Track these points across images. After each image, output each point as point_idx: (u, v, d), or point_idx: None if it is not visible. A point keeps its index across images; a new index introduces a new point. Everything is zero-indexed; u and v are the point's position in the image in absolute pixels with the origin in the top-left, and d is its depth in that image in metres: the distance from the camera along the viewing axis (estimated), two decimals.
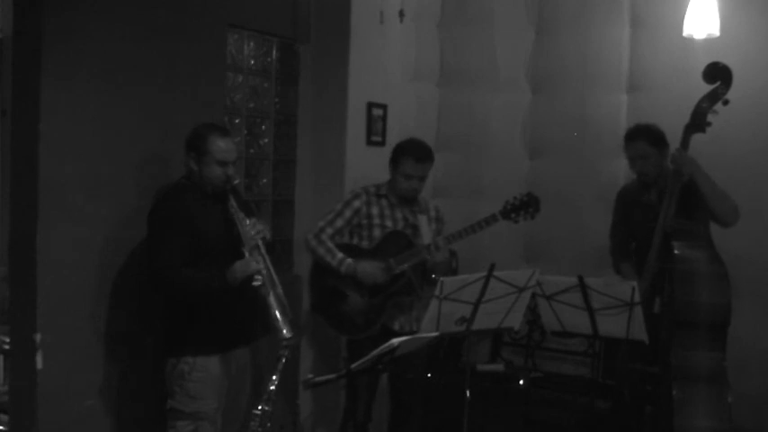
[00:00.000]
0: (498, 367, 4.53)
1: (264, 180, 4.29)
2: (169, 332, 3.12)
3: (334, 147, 4.28)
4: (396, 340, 2.56)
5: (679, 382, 3.30)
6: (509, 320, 3.20)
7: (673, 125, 3.51)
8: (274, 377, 2.93)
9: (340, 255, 3.65)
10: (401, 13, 4.37)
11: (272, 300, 2.98)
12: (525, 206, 3.59)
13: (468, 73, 4.95)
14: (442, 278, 3.02)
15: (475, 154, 4.97)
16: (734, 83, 3.37)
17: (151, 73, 3.35)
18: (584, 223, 4.60)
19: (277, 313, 2.96)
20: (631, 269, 3.71)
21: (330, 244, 3.67)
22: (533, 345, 4.75)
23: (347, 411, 3.87)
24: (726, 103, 3.37)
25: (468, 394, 3.26)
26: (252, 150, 4.20)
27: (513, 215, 3.59)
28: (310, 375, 2.76)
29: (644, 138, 3.60)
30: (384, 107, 4.50)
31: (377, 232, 3.72)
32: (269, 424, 2.94)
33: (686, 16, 4.08)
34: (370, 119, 4.41)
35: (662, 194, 3.50)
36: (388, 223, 3.73)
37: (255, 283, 2.94)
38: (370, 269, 3.61)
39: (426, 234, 3.67)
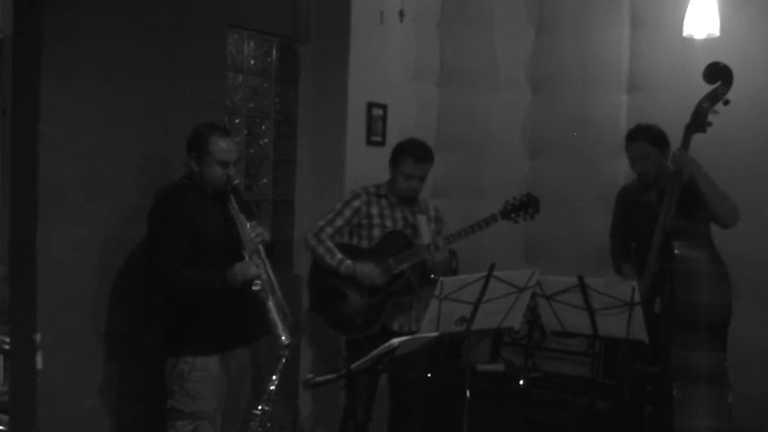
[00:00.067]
0: (498, 367, 4.53)
1: (264, 180, 4.29)
2: (169, 332, 3.12)
3: (334, 147, 4.28)
4: (396, 340, 2.56)
5: (679, 382, 3.30)
6: (509, 320, 3.20)
7: (673, 125, 3.52)
8: (274, 377, 2.93)
9: (339, 255, 3.65)
10: (401, 13, 4.37)
11: (271, 305, 2.98)
12: (525, 206, 3.59)
13: (468, 73, 4.95)
14: (441, 278, 3.03)
15: (475, 154, 4.97)
16: (734, 83, 3.38)
17: (151, 73, 3.35)
18: (584, 223, 4.60)
19: (276, 318, 2.97)
20: (632, 269, 3.71)
21: (330, 244, 3.67)
22: (533, 345, 4.75)
23: (347, 411, 3.87)
24: (726, 103, 3.37)
25: (468, 394, 3.26)
26: (252, 150, 4.20)
27: (512, 215, 3.59)
28: (310, 375, 2.77)
29: (645, 138, 3.60)
30: (384, 107, 4.50)
31: (376, 232, 3.72)
32: (269, 424, 2.94)
33: (686, 16, 4.08)
34: (370, 119, 4.41)
35: (662, 194, 3.50)
36: (388, 223, 3.73)
37: (255, 288, 2.95)
38: (369, 270, 3.61)
39: (426, 234, 3.67)
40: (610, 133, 4.49)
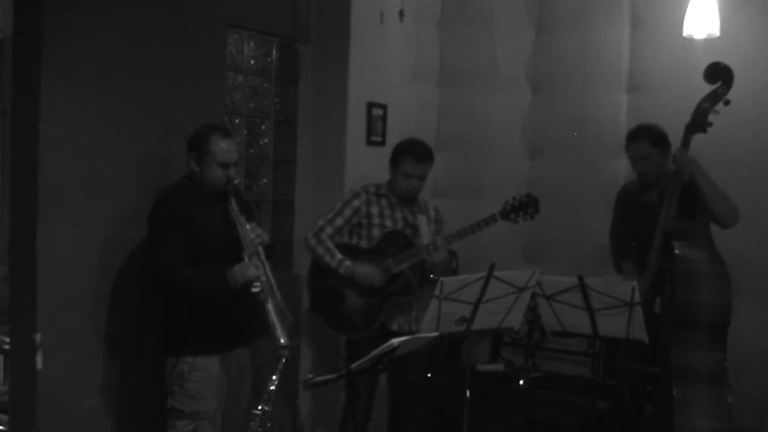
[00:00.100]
0: (498, 367, 4.53)
1: (264, 180, 4.29)
2: (169, 332, 3.12)
3: (334, 147, 4.28)
4: (396, 340, 2.56)
5: (679, 382, 3.30)
6: (509, 320, 3.20)
7: (672, 125, 3.52)
8: (274, 377, 2.93)
9: (339, 256, 3.65)
10: (401, 13, 4.37)
11: (269, 307, 2.99)
12: (524, 207, 3.59)
13: (468, 73, 4.94)
14: (442, 278, 3.02)
15: (475, 154, 4.97)
16: (734, 83, 3.37)
17: (151, 73, 3.35)
18: (584, 223, 4.60)
19: (275, 320, 2.97)
20: (633, 268, 3.71)
21: (329, 244, 3.67)
22: (533, 345, 4.75)
23: (347, 411, 3.87)
24: (727, 103, 3.37)
25: (468, 394, 3.26)
26: (252, 150, 4.20)
27: (512, 216, 3.59)
28: (310, 375, 2.77)
29: (645, 138, 3.60)
30: (384, 107, 4.50)
31: (376, 232, 3.72)
32: (269, 424, 2.94)
33: (686, 16, 4.08)
34: (370, 119, 4.41)
35: (663, 194, 3.51)
36: (388, 223, 3.73)
37: (254, 290, 2.95)
38: (368, 272, 3.61)
39: (425, 234, 3.67)
40: (610, 133, 4.49)
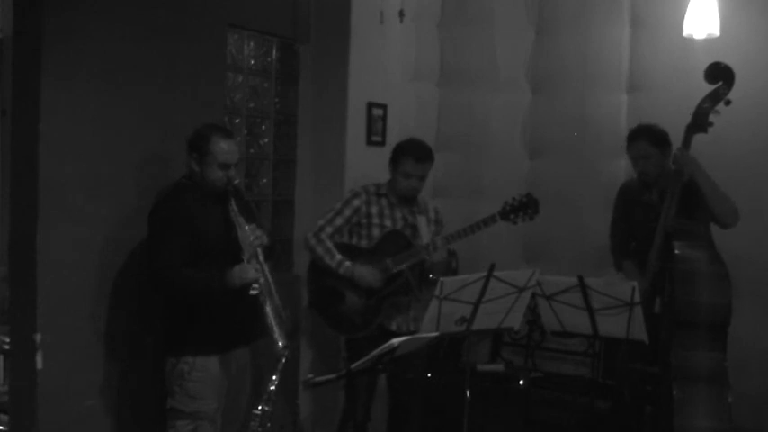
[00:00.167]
0: (498, 367, 4.53)
1: (264, 180, 4.29)
2: (169, 332, 3.12)
3: (334, 147, 4.28)
4: (396, 340, 2.56)
5: (679, 382, 3.30)
6: (509, 320, 3.20)
7: (673, 125, 3.52)
8: (274, 377, 2.93)
9: (339, 256, 3.64)
10: (401, 13, 4.37)
11: (268, 309, 2.99)
12: (524, 207, 3.59)
13: (468, 73, 4.94)
14: (442, 278, 3.02)
15: (475, 154, 4.97)
16: (734, 83, 3.38)
17: (151, 73, 3.35)
18: (584, 223, 4.60)
19: (273, 323, 2.97)
20: (633, 266, 3.71)
21: (329, 244, 3.67)
22: (533, 345, 4.75)
23: (346, 411, 3.87)
24: (728, 103, 3.37)
25: (468, 394, 3.26)
26: (252, 150, 4.20)
27: (511, 216, 3.59)
28: (310, 375, 2.77)
29: (646, 138, 3.60)
30: (384, 107, 4.50)
31: (376, 232, 3.72)
32: (269, 424, 2.94)
33: (686, 16, 4.08)
34: (370, 119, 4.41)
35: (663, 194, 3.51)
36: (388, 223, 3.73)
37: (253, 292, 2.96)
38: (367, 273, 3.61)
39: (425, 234, 3.67)
40: (610, 133, 4.49)
